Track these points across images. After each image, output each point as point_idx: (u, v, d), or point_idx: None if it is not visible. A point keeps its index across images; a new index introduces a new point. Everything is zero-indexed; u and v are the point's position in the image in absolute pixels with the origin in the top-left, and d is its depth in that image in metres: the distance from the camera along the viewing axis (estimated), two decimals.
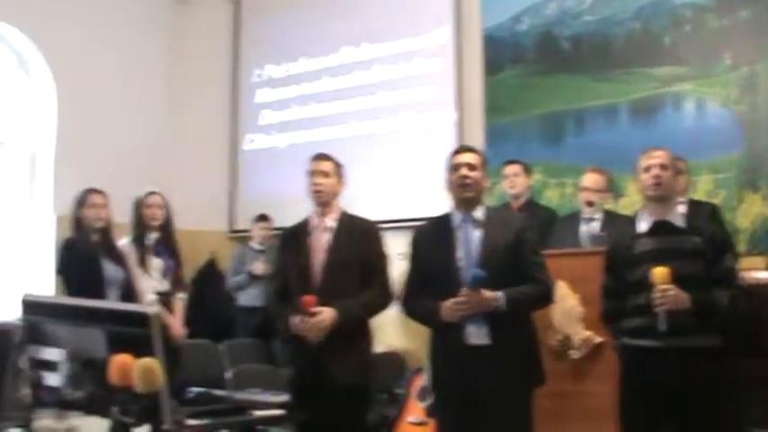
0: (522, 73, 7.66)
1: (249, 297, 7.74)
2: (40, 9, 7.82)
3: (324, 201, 4.50)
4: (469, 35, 7.95)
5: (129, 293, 5.58)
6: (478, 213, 4.05)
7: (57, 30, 7.96)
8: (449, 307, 3.84)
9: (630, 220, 4.42)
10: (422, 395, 5.82)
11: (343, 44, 8.73)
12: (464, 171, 4.03)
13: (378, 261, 4.46)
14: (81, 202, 5.61)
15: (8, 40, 7.89)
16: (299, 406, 4.39)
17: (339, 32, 8.75)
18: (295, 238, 4.56)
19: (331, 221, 4.50)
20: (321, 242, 4.46)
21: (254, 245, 7.99)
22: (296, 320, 4.28)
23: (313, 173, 4.52)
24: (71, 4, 8.08)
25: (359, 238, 4.46)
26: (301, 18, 9.01)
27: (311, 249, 4.45)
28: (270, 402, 4.36)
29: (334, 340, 4.23)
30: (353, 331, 4.34)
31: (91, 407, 2.48)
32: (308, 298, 4.21)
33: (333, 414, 4.27)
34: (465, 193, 4.03)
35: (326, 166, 4.53)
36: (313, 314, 4.19)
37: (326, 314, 4.20)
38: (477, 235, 3.99)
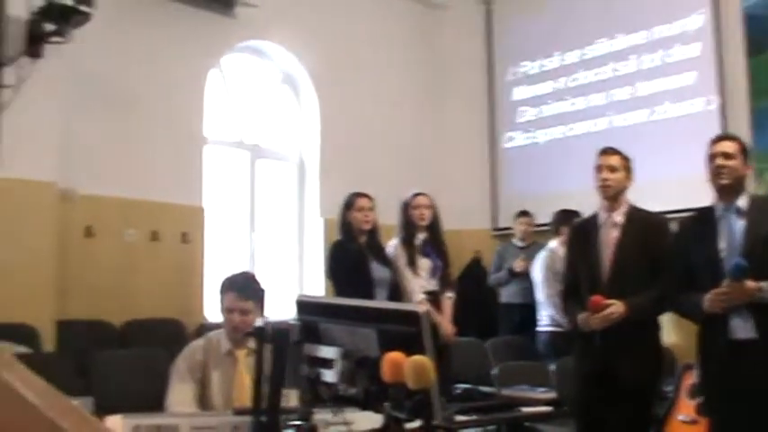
0: None
1: (509, 293, 7.71)
2: (302, 28, 8.22)
3: (611, 195, 4.44)
4: (728, 16, 7.59)
5: (397, 293, 5.71)
6: (741, 202, 3.89)
7: (317, 46, 8.34)
8: (710, 298, 3.72)
9: None
10: (692, 393, 5.61)
11: (596, 36, 8.57)
12: (719, 161, 3.90)
13: (668, 256, 4.32)
14: (349, 205, 5.78)
15: (274, 57, 8.35)
16: (582, 404, 4.36)
17: (592, 24, 8.60)
18: (583, 234, 4.55)
19: (619, 216, 4.43)
20: (609, 238, 4.41)
21: (516, 241, 7.96)
22: (582, 317, 4.27)
23: (600, 167, 4.45)
24: (330, 21, 8.43)
25: (648, 233, 4.37)
26: (553, 13, 8.93)
27: (600, 245, 4.41)
28: (537, 399, 4.33)
29: (622, 337, 4.18)
30: (643, 328, 4.28)
31: (365, 402, 2.55)
32: (597, 298, 4.19)
33: (617, 413, 4.23)
34: (721, 181, 3.89)
35: (614, 160, 4.45)
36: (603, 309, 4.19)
37: (616, 307, 4.16)
38: (740, 224, 3.84)
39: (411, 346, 2.31)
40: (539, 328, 6.88)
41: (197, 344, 3.91)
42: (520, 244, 7.89)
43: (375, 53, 8.88)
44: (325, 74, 8.42)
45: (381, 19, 9.04)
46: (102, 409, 3.39)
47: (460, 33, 9.61)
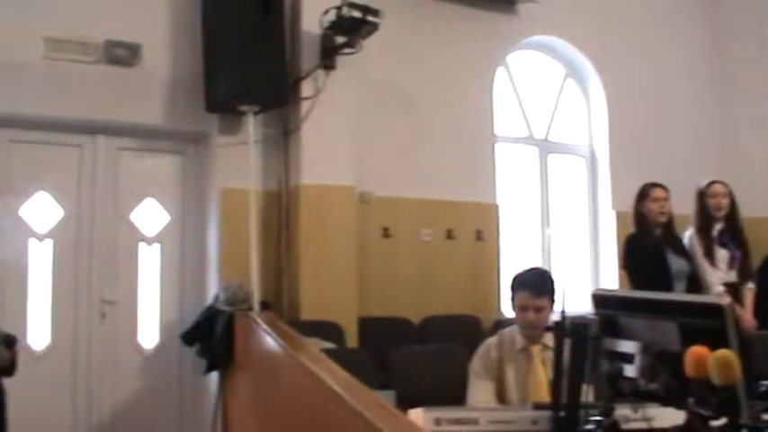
0: None
1: None
2: (583, 19, 8.11)
3: None
4: None
5: (695, 285, 5.52)
6: None
7: (600, 36, 8.20)
8: None
9: None
10: None
11: None
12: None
13: None
14: (643, 196, 5.67)
15: (558, 51, 8.29)
16: None
17: None
18: None
19: None
20: None
21: None
22: None
23: None
24: (610, 9, 8.26)
25: None
26: None
27: None
28: None
29: None
30: None
31: (666, 398, 2.49)
32: None
33: None
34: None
35: None
36: None
37: None
38: None
39: (715, 340, 2.23)
40: None
41: (491, 341, 3.97)
42: None
43: (658, 38, 8.58)
44: (610, 64, 8.26)
45: (663, 6, 8.71)
46: (403, 403, 3.52)
47: (746, 8, 9.02)
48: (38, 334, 5.92)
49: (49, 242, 6.02)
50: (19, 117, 5.78)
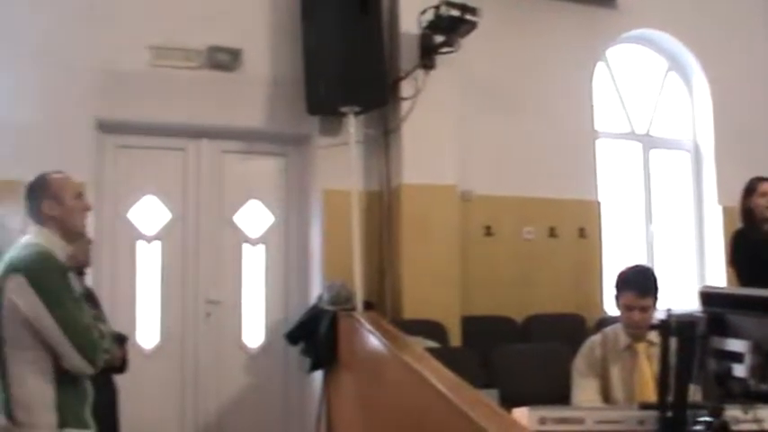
0: None
1: None
2: (685, 11, 7.91)
3: None
4: None
5: None
6: None
7: (703, 27, 7.98)
8: None
9: None
10: None
11: None
12: None
13: None
14: (750, 191, 5.51)
15: (660, 44, 8.12)
16: None
17: None
18: None
19: None
20: None
21: None
22: None
23: None
24: (716, 3, 8.03)
25: None
26: None
27: None
28: None
29: None
30: None
31: None
32: None
33: None
34: None
35: None
36: None
37: None
38: None
39: None
40: None
41: (594, 340, 3.94)
42: None
43: (762, 28, 8.30)
44: (714, 55, 8.04)
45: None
46: (507, 402, 3.51)
47: None
48: (147, 333, 6.10)
49: (157, 244, 6.20)
50: (126, 123, 5.98)
